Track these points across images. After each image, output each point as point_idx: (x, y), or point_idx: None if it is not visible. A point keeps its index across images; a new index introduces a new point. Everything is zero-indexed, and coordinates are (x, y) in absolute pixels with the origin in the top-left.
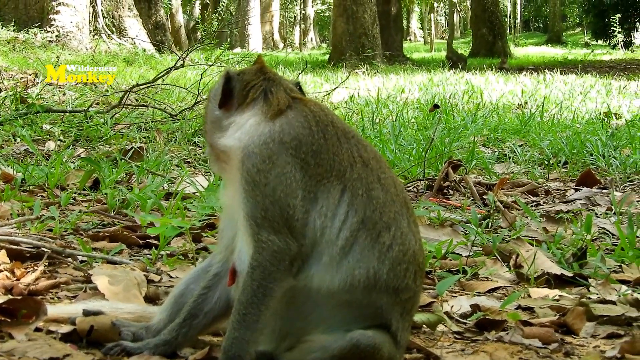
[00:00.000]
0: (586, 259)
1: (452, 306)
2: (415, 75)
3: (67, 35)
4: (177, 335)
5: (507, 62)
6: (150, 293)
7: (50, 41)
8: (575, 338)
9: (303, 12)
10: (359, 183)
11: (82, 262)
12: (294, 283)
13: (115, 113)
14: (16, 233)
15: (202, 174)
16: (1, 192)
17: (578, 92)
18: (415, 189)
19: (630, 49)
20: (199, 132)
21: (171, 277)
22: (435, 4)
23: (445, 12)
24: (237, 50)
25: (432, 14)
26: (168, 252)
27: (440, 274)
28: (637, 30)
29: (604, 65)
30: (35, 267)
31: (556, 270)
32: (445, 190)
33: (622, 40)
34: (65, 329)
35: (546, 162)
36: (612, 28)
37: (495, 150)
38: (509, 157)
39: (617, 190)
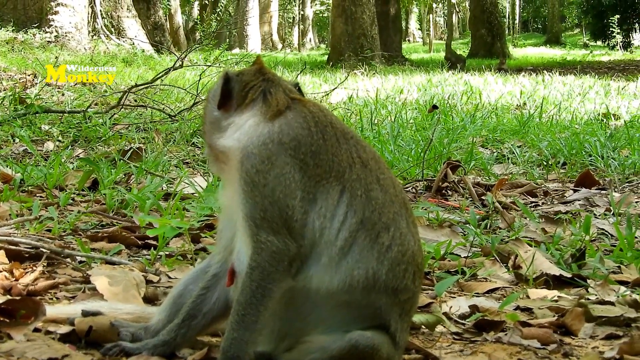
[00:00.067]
0: (585, 259)
1: (451, 307)
2: (414, 76)
3: (66, 35)
4: (175, 336)
5: (505, 63)
6: (149, 293)
7: (49, 42)
8: (574, 339)
9: (302, 12)
10: (358, 184)
11: (80, 262)
12: (293, 284)
13: (114, 113)
14: (15, 233)
15: (201, 175)
16: (0, 193)
17: (577, 92)
18: (414, 190)
19: (629, 49)
20: (197, 132)
21: (170, 277)
22: (434, 5)
23: (444, 12)
24: (236, 50)
25: (430, 15)
26: (167, 253)
27: (439, 274)
28: (635, 31)
29: (603, 66)
30: (34, 268)
31: (555, 271)
32: (444, 191)
33: (621, 41)
34: (64, 329)
35: (545, 163)
36: (610, 29)
37: (494, 151)
38: (508, 158)
39: (615, 191)
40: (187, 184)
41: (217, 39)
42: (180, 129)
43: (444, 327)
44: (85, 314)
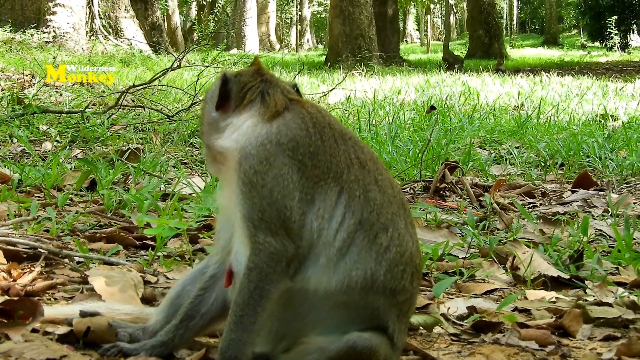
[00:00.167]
0: (583, 261)
1: (449, 308)
2: (412, 77)
3: (64, 36)
4: (173, 337)
5: (503, 64)
6: (147, 294)
7: (46, 42)
8: (571, 340)
9: (299, 13)
10: (356, 185)
11: (78, 263)
12: (291, 284)
13: (112, 114)
14: (13, 234)
15: (199, 175)
16: None
17: (574, 93)
18: (412, 191)
19: (626, 50)
20: (195, 133)
21: (168, 278)
22: (432, 6)
23: (441, 13)
24: (234, 51)
25: (428, 16)
26: (165, 253)
27: (437, 275)
28: (633, 32)
29: (601, 67)
30: (32, 268)
31: (553, 272)
32: (441, 192)
33: (619, 42)
34: (62, 330)
35: (543, 164)
36: (608, 30)
37: (492, 151)
38: (506, 159)
39: (613, 192)
40: (185, 184)
41: (215, 40)
42: (178, 129)
43: (442, 328)
44: (83, 314)
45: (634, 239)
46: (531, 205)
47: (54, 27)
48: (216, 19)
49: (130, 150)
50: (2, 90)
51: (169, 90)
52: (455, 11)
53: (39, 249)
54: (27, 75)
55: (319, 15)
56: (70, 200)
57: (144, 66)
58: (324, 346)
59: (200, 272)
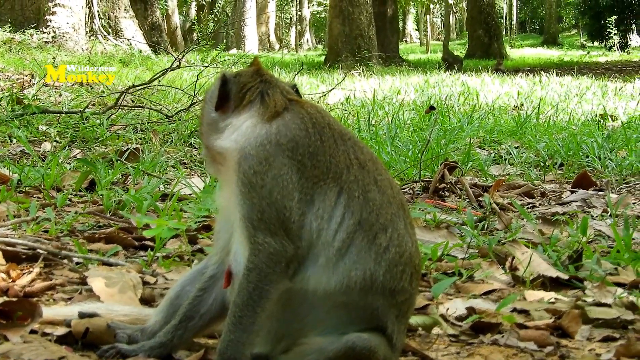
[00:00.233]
0: (582, 261)
1: (448, 309)
2: (411, 77)
3: (63, 36)
4: (172, 338)
5: (503, 64)
6: (146, 295)
7: (46, 42)
8: (570, 341)
9: (299, 13)
10: (356, 185)
11: (77, 263)
12: (290, 285)
13: (112, 114)
14: (12, 234)
15: (198, 176)
16: None
17: (574, 93)
18: (411, 191)
19: (626, 50)
20: (195, 133)
21: (167, 279)
22: (431, 6)
23: (441, 13)
24: (233, 51)
25: (428, 16)
26: (164, 254)
27: (436, 276)
28: (632, 32)
29: (600, 67)
30: (31, 269)
31: (552, 272)
32: (441, 192)
33: (618, 42)
34: (61, 331)
35: (542, 164)
36: (607, 30)
37: (491, 152)
38: (505, 159)
39: (613, 192)
40: (185, 184)
41: (215, 40)
42: (177, 129)
43: (441, 329)
44: (82, 315)
45: (633, 239)
46: (530, 205)
47: (53, 27)
48: (216, 19)
49: (129, 151)
50: (2, 91)
51: (169, 91)
52: (454, 11)
53: (38, 250)
54: (26, 76)
55: (318, 15)
56: (69, 200)
57: (144, 66)
58: (323, 347)
59: (200, 272)
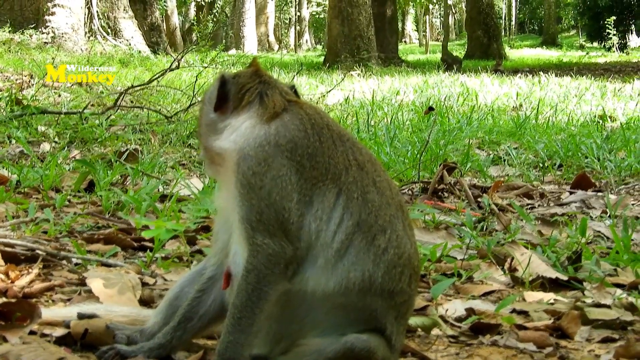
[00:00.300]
0: (581, 262)
1: (447, 310)
2: (410, 78)
3: (63, 36)
4: (171, 339)
5: (502, 64)
6: (145, 296)
7: (45, 42)
8: (570, 342)
9: (298, 13)
10: (354, 186)
11: (76, 264)
12: (289, 286)
13: (110, 115)
14: (11, 235)
15: (197, 176)
16: None
17: (573, 94)
18: (410, 192)
19: (625, 51)
20: (194, 133)
21: (166, 280)
22: (430, 6)
23: (440, 14)
24: (232, 51)
25: (427, 16)
26: (163, 255)
27: (435, 277)
28: (631, 33)
29: (599, 67)
30: (30, 270)
31: (551, 273)
32: (440, 193)
33: (617, 43)
34: (60, 332)
35: (541, 165)
36: (607, 30)
37: (490, 152)
38: (504, 160)
39: (612, 193)
40: (184, 185)
41: (214, 40)
42: (176, 130)
43: (440, 330)
44: (81, 316)
45: (632, 240)
46: (529, 206)
47: (52, 27)
48: (215, 19)
49: (128, 151)
50: (1, 91)
51: (168, 91)
52: (453, 12)
53: (37, 251)
54: (25, 76)
55: (317, 16)
56: (68, 201)
57: (143, 67)
58: (322, 348)
59: (198, 273)
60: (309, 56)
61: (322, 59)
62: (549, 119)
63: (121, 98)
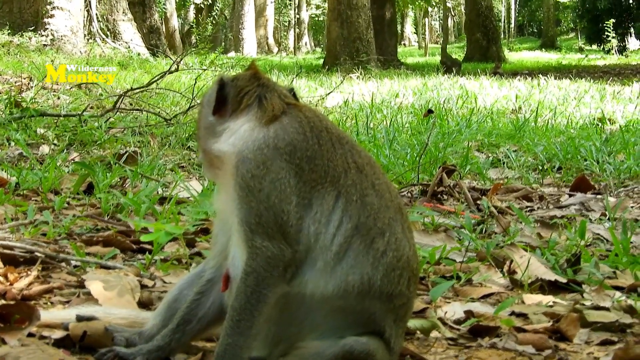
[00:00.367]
0: (580, 264)
1: (446, 312)
2: (410, 80)
3: (62, 39)
4: (170, 341)
5: (501, 67)
6: (144, 298)
7: (44, 45)
8: (569, 344)
9: (297, 16)
10: (353, 189)
11: (75, 267)
12: (288, 289)
13: (110, 117)
14: (10, 237)
15: (196, 179)
16: None
17: (572, 97)
18: (409, 194)
19: (624, 54)
20: (193, 136)
21: (165, 282)
22: (430, 9)
23: (439, 16)
24: (232, 54)
25: (426, 19)
26: (162, 257)
27: (434, 279)
28: (630, 36)
29: (598, 70)
30: (29, 272)
31: (550, 276)
32: (439, 196)
33: (616, 46)
34: (58, 334)
35: (540, 168)
36: (606, 33)
37: (490, 155)
38: (503, 162)
39: (611, 196)
40: (183, 188)
41: (213, 43)
42: (175, 132)
43: (439, 332)
44: (80, 318)
45: (631, 242)
46: (529, 208)
47: (52, 30)
48: (214, 22)
49: (127, 154)
50: (0, 93)
51: (167, 94)
52: (453, 14)
53: (36, 253)
54: (24, 78)
55: (316, 19)
56: (67, 203)
57: (142, 69)
58: (321, 350)
59: (197, 276)
60: (308, 59)
61: (321, 61)
62: (548, 122)
63: (120, 100)
